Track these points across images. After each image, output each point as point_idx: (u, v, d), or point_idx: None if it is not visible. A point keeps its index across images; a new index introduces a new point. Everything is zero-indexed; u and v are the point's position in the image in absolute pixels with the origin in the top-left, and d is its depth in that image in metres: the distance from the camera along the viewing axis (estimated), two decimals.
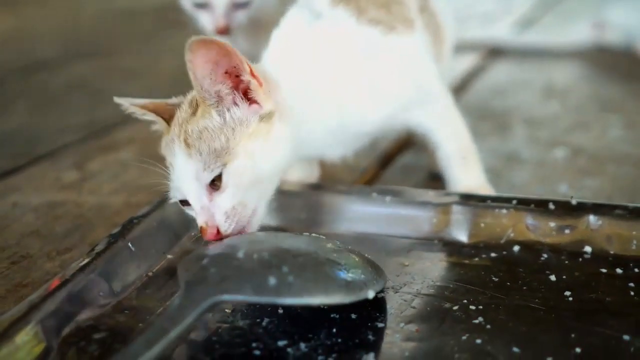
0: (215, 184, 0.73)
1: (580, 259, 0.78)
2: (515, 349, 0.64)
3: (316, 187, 0.91)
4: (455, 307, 0.70)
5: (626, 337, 0.64)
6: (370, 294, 0.67)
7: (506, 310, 0.70)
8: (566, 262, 0.78)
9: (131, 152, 1.16)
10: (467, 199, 0.85)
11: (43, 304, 0.68)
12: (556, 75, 1.58)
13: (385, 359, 0.64)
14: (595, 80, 1.56)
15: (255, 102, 0.75)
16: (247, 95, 0.75)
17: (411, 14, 0.92)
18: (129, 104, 0.78)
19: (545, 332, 0.66)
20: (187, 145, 0.73)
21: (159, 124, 0.79)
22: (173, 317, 0.61)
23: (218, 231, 0.73)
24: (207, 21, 1.08)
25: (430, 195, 0.87)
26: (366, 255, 0.74)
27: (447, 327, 0.68)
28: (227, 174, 0.73)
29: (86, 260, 0.74)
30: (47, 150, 1.20)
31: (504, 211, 0.83)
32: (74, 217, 0.95)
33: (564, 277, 0.75)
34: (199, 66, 0.72)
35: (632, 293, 0.72)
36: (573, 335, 0.65)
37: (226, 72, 0.73)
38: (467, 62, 1.67)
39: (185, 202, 0.76)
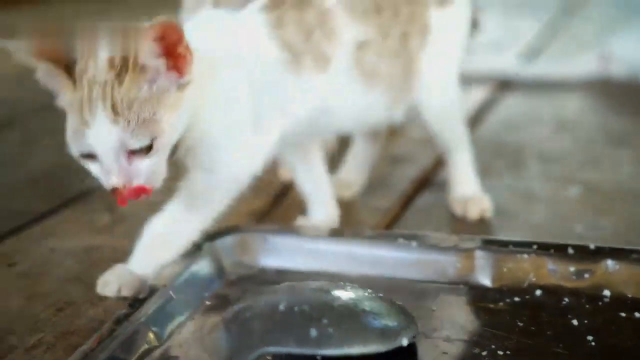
0: (139, 150, 0.76)
1: (600, 303, 0.82)
2: None
3: (343, 233, 0.95)
4: (484, 353, 0.74)
5: None
6: (404, 342, 0.71)
7: (532, 355, 0.74)
8: (587, 306, 0.82)
9: (160, 195, 1.20)
10: (489, 243, 0.89)
11: (94, 353, 0.72)
12: (565, 109, 1.63)
13: None
14: (603, 113, 1.60)
15: (176, 71, 0.78)
16: (171, 65, 0.77)
17: (331, 51, 0.90)
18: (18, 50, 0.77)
19: None
20: (115, 112, 0.75)
21: (53, 73, 0.78)
22: None
23: (136, 191, 0.78)
24: None
25: (454, 240, 0.91)
26: (397, 302, 0.78)
27: None
28: (157, 144, 0.77)
29: (131, 310, 0.78)
30: (79, 192, 1.24)
31: (525, 256, 0.87)
32: (111, 261, 0.99)
33: (586, 321, 0.79)
34: (149, 46, 0.75)
35: None
36: None
37: (165, 47, 0.76)
38: (478, 95, 1.71)
39: (88, 157, 0.78)
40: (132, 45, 0.76)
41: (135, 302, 0.81)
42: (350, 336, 0.68)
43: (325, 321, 0.68)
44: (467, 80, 1.76)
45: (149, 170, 0.78)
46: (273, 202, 1.15)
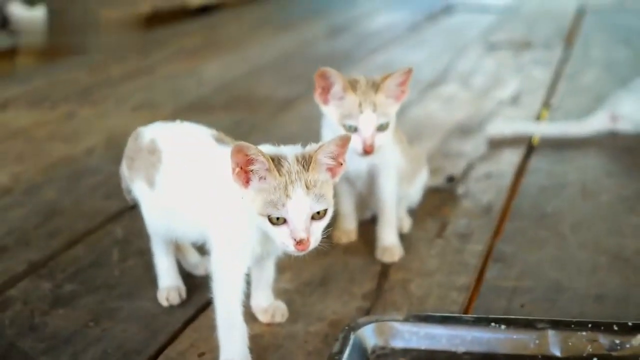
0: (316, 215, 1.14)
1: None
2: None
3: (448, 320, 1.30)
4: None
5: None
6: None
7: None
8: None
9: None
10: (557, 324, 1.25)
11: None
12: (585, 171, 2.00)
13: None
14: (617, 175, 1.98)
15: (332, 173, 1.17)
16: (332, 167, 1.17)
17: None
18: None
19: None
20: (308, 187, 1.13)
21: (270, 169, 1.13)
22: None
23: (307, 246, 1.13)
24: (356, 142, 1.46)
25: (531, 322, 1.26)
26: None
27: None
28: (327, 213, 1.15)
29: None
30: None
31: (584, 333, 1.23)
32: None
33: None
34: (331, 148, 1.15)
35: None
36: None
37: (338, 152, 1.16)
38: (513, 159, 2.07)
39: (276, 222, 1.13)
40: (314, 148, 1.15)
41: None
42: None
43: None
44: (498, 144, 2.16)
45: (318, 232, 1.15)
46: (377, 284, 1.50)
